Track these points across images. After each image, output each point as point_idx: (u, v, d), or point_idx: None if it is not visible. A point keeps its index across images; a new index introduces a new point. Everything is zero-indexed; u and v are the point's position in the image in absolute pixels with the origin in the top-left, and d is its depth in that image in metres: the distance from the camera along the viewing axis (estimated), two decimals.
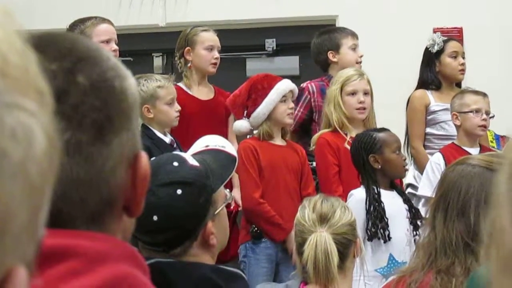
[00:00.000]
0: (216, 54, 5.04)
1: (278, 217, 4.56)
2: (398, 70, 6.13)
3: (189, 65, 5.04)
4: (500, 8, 6.27)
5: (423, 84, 5.24)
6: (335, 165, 4.61)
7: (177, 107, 4.60)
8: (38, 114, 0.62)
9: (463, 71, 5.23)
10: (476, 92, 4.90)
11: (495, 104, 5.04)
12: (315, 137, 4.75)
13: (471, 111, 4.75)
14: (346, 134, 4.62)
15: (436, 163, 4.68)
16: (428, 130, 5.13)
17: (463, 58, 5.25)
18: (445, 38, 5.34)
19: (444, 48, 5.23)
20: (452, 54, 5.22)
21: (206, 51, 5.02)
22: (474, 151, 4.61)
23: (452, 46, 5.26)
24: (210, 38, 5.05)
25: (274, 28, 6.72)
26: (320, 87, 5.08)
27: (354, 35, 5.23)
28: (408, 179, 4.89)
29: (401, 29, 6.34)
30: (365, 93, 4.70)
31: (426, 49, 5.29)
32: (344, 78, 4.71)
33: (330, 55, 5.15)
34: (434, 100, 5.12)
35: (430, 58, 5.24)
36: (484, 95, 4.87)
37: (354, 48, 5.16)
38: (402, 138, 4.52)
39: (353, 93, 4.68)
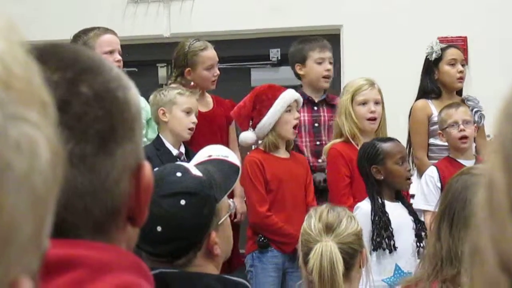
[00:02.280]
0: (216, 71, 5.00)
1: (286, 227, 4.55)
2: (402, 79, 6.13)
3: (192, 84, 4.97)
4: (505, 17, 6.26)
5: (423, 93, 5.21)
6: (347, 177, 4.58)
7: (194, 119, 4.58)
8: (42, 126, 0.62)
9: (461, 79, 5.18)
10: (450, 106, 4.87)
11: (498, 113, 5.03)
12: (326, 147, 4.72)
13: (448, 126, 4.75)
14: (357, 145, 4.59)
15: (430, 176, 4.66)
16: (431, 140, 5.10)
17: (463, 65, 5.20)
18: (444, 45, 5.31)
19: (443, 56, 5.19)
20: (450, 62, 5.18)
21: (207, 71, 4.96)
22: (468, 163, 4.59)
23: (451, 53, 5.22)
24: (210, 56, 4.98)
25: (278, 38, 6.72)
26: None
27: (323, 48, 5.12)
28: (412, 190, 4.87)
29: (405, 38, 6.34)
30: (376, 103, 4.68)
31: (426, 57, 5.27)
32: (355, 88, 4.68)
33: (297, 67, 5.11)
34: (436, 110, 5.08)
35: (429, 66, 5.21)
36: (457, 105, 4.84)
37: (320, 62, 5.07)
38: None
39: (364, 103, 4.65)
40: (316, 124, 5.02)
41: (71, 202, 0.98)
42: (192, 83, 4.98)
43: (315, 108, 5.06)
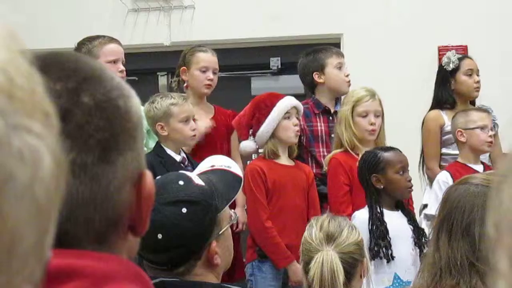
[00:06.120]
0: (210, 75, 4.92)
1: (283, 244, 4.54)
2: (403, 88, 6.14)
3: (185, 85, 4.97)
4: (505, 26, 6.27)
5: (437, 103, 5.22)
6: (346, 185, 4.59)
7: (193, 125, 4.53)
8: (44, 136, 0.62)
9: (478, 88, 5.21)
10: (480, 109, 4.90)
11: (499, 122, 5.04)
12: (327, 158, 4.73)
13: (477, 128, 4.75)
14: (358, 154, 4.58)
15: (444, 181, 4.63)
16: (444, 150, 5.11)
17: (478, 75, 5.24)
18: (460, 55, 5.33)
19: (460, 66, 5.23)
20: (467, 72, 5.21)
21: (200, 71, 4.91)
22: (478, 168, 4.61)
23: (468, 63, 5.25)
24: (205, 59, 4.94)
25: (278, 47, 6.74)
26: (304, 111, 4.93)
27: (339, 54, 5.14)
28: (424, 199, 4.85)
29: (406, 47, 6.35)
30: (377, 115, 4.68)
31: (441, 67, 5.28)
32: (356, 99, 4.68)
33: (315, 76, 5.06)
34: (448, 120, 5.07)
35: (445, 76, 5.23)
36: (489, 112, 4.88)
37: (339, 67, 5.07)
38: (409, 157, 4.48)
39: (365, 115, 4.66)
40: (333, 135, 4.99)
41: (73, 212, 0.98)
42: (185, 84, 4.97)
43: (331, 118, 5.05)
